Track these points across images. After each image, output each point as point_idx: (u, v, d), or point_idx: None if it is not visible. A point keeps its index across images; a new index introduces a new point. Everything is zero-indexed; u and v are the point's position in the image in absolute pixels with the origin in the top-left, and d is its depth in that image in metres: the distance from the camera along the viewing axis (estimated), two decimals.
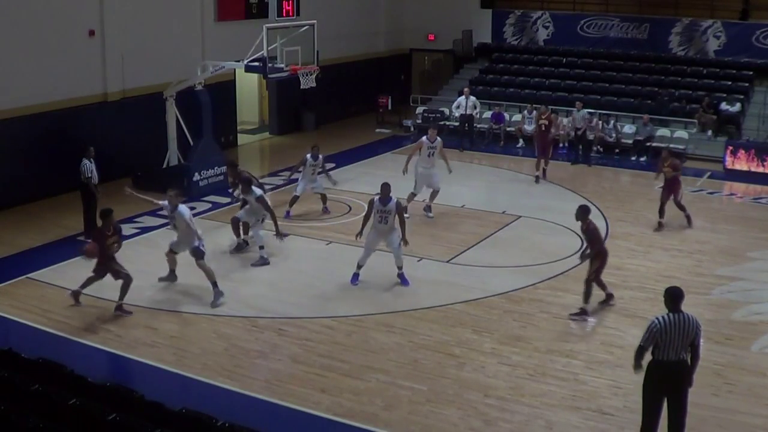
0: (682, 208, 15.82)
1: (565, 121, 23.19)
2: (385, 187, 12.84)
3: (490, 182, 20.01)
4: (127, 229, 15.50)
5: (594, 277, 11.88)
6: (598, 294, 12.20)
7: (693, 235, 15.15)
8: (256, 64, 16.79)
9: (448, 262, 14.11)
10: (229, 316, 11.81)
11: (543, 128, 19.47)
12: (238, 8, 21.87)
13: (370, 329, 11.40)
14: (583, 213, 11.97)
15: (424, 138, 16.55)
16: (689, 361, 8.01)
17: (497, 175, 20.56)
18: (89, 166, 14.65)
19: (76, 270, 13.55)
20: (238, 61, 17.37)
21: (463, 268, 13.84)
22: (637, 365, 8.10)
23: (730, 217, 16.89)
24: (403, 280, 12.92)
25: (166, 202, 12.42)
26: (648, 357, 8.05)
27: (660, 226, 15.67)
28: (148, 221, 16.07)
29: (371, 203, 12.89)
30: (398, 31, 29.16)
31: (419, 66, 30.17)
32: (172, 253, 12.72)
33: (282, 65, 16.99)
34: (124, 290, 11.74)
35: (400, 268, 12.92)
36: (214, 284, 12.17)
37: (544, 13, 27.21)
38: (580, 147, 21.35)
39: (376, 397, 9.58)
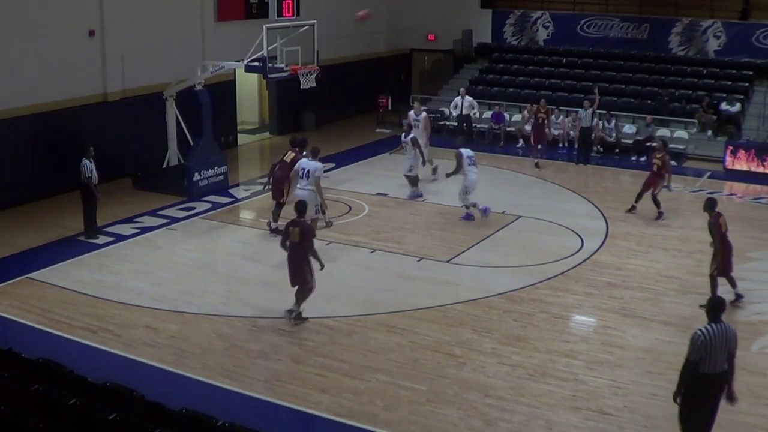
0: (657, 203, 16.32)
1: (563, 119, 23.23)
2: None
3: (490, 182, 19.99)
4: (127, 229, 15.60)
5: (716, 272, 11.99)
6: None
7: (693, 235, 15.14)
8: (256, 64, 16.78)
9: (448, 262, 14.11)
10: (229, 316, 11.81)
11: (541, 121, 21.01)
12: (238, 8, 21.86)
13: (370, 329, 11.39)
14: (709, 205, 12.20)
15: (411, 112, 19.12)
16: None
17: (497, 175, 20.55)
18: (89, 166, 14.64)
19: (77, 270, 13.61)
20: (238, 61, 17.36)
21: (463, 268, 13.85)
22: (682, 385, 7.84)
23: (730, 217, 16.60)
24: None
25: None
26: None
27: (633, 209, 16.62)
28: (148, 221, 16.09)
29: (460, 156, 16.06)
30: (398, 31, 29.14)
31: (419, 66, 30.15)
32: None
33: (282, 65, 16.99)
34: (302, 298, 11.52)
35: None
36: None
37: (544, 13, 27.20)
38: (584, 147, 21.38)
39: (376, 397, 9.58)
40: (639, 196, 16.54)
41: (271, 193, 15.46)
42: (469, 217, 16.24)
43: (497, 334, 11.29)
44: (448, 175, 16.42)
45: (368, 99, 26.59)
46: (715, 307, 7.92)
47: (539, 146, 21.01)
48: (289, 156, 15.11)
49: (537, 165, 20.67)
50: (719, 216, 12.15)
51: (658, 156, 16.33)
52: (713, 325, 7.77)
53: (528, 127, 23.00)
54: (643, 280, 13.21)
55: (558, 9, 27.33)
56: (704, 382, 7.80)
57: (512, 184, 19.79)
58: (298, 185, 13.99)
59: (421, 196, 17.69)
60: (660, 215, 16.25)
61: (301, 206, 11.65)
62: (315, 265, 11.35)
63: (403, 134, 18.08)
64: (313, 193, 13.96)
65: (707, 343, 7.66)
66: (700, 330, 7.76)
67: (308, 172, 13.90)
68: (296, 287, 11.40)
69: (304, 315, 11.48)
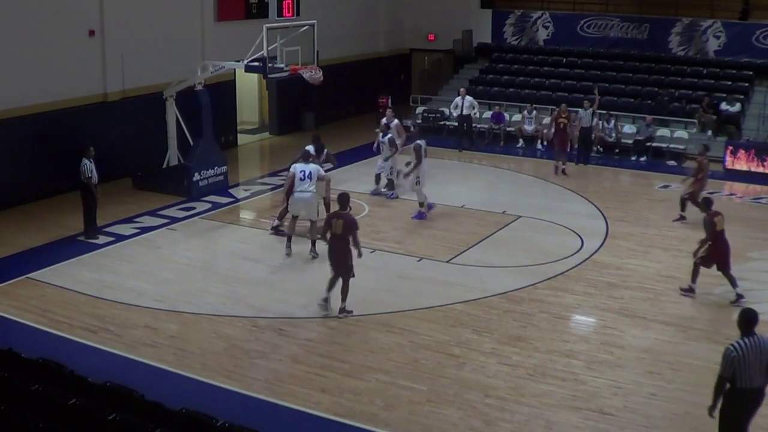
0: (683, 205, 16.13)
1: None
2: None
3: (490, 182, 20.01)
4: (127, 229, 15.60)
5: (699, 260, 12.26)
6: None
7: (693, 235, 15.07)
8: (256, 64, 16.78)
9: (448, 262, 14.11)
10: (229, 316, 11.82)
11: (562, 126, 20.15)
12: (238, 8, 21.85)
13: (370, 329, 11.40)
14: (705, 204, 12.57)
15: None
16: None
17: (497, 175, 20.55)
18: (89, 166, 14.64)
19: (77, 270, 13.61)
20: (238, 61, 17.36)
21: (463, 268, 13.84)
22: (717, 400, 7.67)
23: (730, 217, 16.68)
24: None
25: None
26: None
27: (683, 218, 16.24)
28: (148, 221, 16.09)
29: (419, 148, 16.04)
30: (398, 31, 29.15)
31: (419, 66, 30.16)
32: None
33: (282, 65, 16.99)
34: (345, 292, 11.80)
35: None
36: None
37: (544, 13, 27.19)
38: (584, 147, 21.35)
39: (376, 397, 9.59)
40: (683, 204, 16.22)
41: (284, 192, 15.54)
42: (421, 216, 16.21)
43: (497, 334, 11.30)
44: (406, 175, 16.47)
45: (368, 99, 26.60)
46: (746, 321, 7.73)
47: (564, 149, 20.27)
48: None
49: (564, 171, 19.91)
50: (715, 215, 12.28)
51: (697, 159, 16.42)
52: (746, 339, 7.60)
53: (527, 127, 23.05)
54: (643, 280, 13.21)
55: (558, 9, 27.33)
56: (741, 397, 7.62)
57: (512, 184, 19.78)
58: (299, 188, 13.97)
59: (397, 196, 17.71)
60: (681, 218, 16.18)
61: (344, 199, 11.90)
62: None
63: (380, 134, 18.15)
64: (315, 195, 14.00)
65: (740, 358, 7.49)
66: (732, 345, 7.60)
67: (310, 173, 13.93)
68: (337, 279, 11.67)
69: (306, 314, 11.49)
